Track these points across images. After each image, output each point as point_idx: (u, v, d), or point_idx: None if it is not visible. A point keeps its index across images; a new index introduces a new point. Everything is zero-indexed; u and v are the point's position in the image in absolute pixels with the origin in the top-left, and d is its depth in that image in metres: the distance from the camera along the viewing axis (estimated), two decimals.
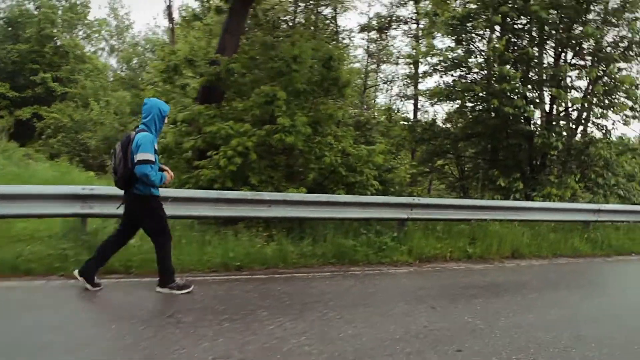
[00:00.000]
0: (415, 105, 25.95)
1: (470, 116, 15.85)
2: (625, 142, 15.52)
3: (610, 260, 10.08)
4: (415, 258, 8.32)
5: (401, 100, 26.19)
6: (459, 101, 15.73)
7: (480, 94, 14.56)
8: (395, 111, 16.50)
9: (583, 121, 15.89)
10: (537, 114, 14.72)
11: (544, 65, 14.27)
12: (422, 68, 20.37)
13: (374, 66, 32.21)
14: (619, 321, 5.69)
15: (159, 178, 5.30)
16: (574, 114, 15.47)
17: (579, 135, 16.00)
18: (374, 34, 24.32)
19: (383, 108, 18.08)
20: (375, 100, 32.98)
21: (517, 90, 13.34)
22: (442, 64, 15.45)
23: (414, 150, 18.89)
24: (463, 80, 14.94)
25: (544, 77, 13.92)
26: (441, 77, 15.95)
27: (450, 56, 15.02)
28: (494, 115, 14.62)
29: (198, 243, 7.22)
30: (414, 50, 19.09)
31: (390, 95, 30.88)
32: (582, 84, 14.49)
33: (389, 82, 26.11)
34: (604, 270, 9.31)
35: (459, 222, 9.58)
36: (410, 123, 16.03)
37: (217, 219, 7.83)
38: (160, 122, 5.42)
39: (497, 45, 13.21)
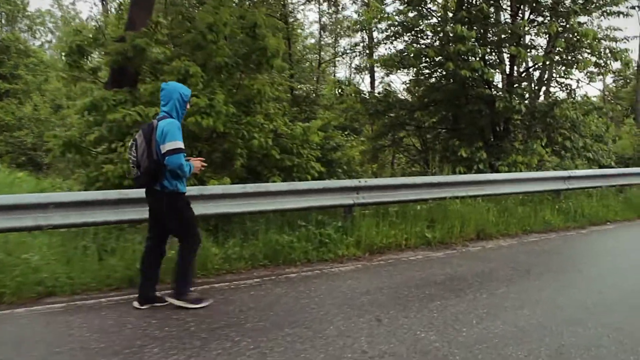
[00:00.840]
0: (372, 77, 24.76)
1: (427, 83, 14.71)
2: (590, 101, 14.65)
3: (585, 232, 9.06)
4: (365, 250, 7.14)
5: (359, 73, 25.02)
6: (414, 68, 14.61)
7: (435, 59, 13.38)
8: (347, 83, 15.12)
9: (546, 81, 14.90)
10: (498, 77, 13.70)
11: (501, 24, 13.16)
12: (376, 36, 19.18)
13: (329, 40, 30.97)
14: (607, 320, 4.56)
15: (189, 169, 4.68)
16: (536, 74, 14.47)
17: (542, 97, 15.06)
18: (325, 5, 22.98)
19: (333, 81, 16.68)
20: (335, 76, 31.77)
21: (473, 52, 12.20)
22: (392, 28, 14.23)
23: (372, 124, 17.74)
24: (415, 45, 13.70)
25: (502, 37, 12.81)
26: (391, 43, 14.72)
27: (399, 20, 13.80)
28: (451, 80, 13.54)
29: (95, 255, 5.90)
30: (362, 17, 17.74)
31: (351, 69, 29.74)
32: (543, 42, 13.50)
33: (342, 55, 24.77)
34: (579, 246, 8.26)
35: (415, 203, 8.41)
36: (362, 95, 14.74)
37: (121, 224, 6.47)
38: (182, 108, 4.81)
39: (448, 3, 12.02)
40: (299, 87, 13.47)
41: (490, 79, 12.45)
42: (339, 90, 15.65)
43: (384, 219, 7.76)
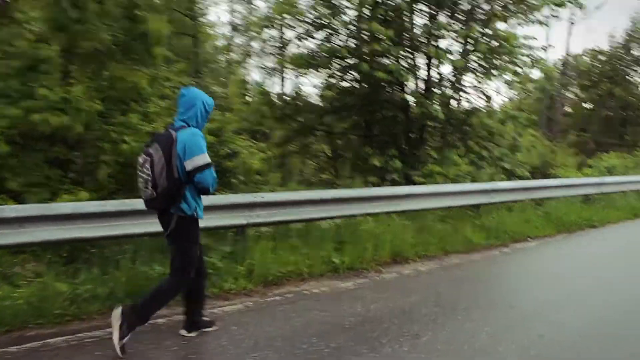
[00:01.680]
0: (283, 78, 23.62)
1: (339, 87, 13.68)
2: (507, 110, 14.22)
3: (508, 250, 8.24)
4: (258, 282, 5.83)
5: (269, 75, 23.74)
6: (326, 70, 13.52)
7: (349, 60, 12.37)
8: (252, 84, 13.88)
9: (464, 87, 14.26)
10: (415, 81, 12.87)
11: (418, 26, 12.33)
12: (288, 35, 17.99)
13: (241, 40, 29.58)
14: None
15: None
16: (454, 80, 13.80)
17: (459, 104, 14.43)
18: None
19: (237, 82, 15.34)
20: (249, 78, 30.43)
21: (389, 52, 11.29)
22: (304, 25, 13.08)
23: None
24: (328, 44, 12.61)
25: (419, 38, 11.98)
26: (301, 41, 13.56)
27: (312, 16, 12.70)
28: (365, 84, 12.61)
29: None
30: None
31: (264, 70, 28.44)
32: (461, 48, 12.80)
33: (250, 55, 23.42)
34: (505, 270, 7.39)
35: (321, 221, 7.24)
36: (269, 97, 13.54)
37: None
38: (204, 120, 4.14)
39: None
40: (203, 85, 11.98)
41: (406, 83, 11.59)
42: (244, 92, 14.41)
43: (283, 242, 6.52)
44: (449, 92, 12.42)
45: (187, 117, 4.01)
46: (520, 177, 13.21)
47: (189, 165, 3.85)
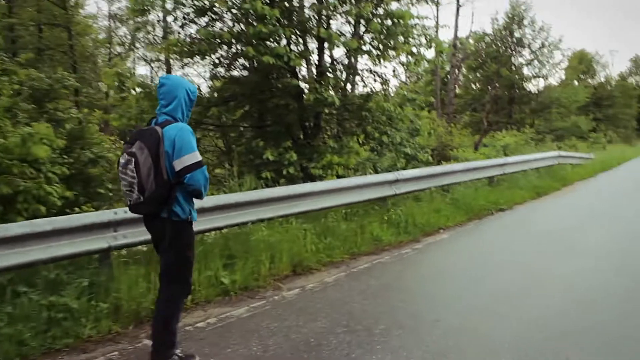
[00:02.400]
0: (168, 69, 21.90)
1: (226, 75, 12.43)
2: (404, 93, 13.61)
3: (420, 246, 7.47)
4: (128, 322, 4.60)
5: (152, 66, 22.02)
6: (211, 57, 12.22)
7: (234, 46, 11.15)
8: (128, 75, 12.30)
9: (360, 71, 13.47)
10: (307, 66, 11.87)
11: (307, 5, 11.33)
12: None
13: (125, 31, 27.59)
14: None
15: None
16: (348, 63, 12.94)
17: (354, 88, 13.64)
18: None
19: (111, 74, 13.65)
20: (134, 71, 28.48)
21: (277, 34, 10.21)
22: (183, 9, 11.69)
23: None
24: (210, 29, 11.30)
25: (308, 19, 10.98)
26: (183, 27, 12.16)
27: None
28: (255, 70, 11.47)
29: None
30: None
31: (149, 61, 26.50)
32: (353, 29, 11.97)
33: (130, 45, 21.57)
34: (421, 272, 6.50)
35: (206, 234, 6.07)
36: (147, 90, 12.01)
37: None
38: (189, 109, 3.70)
39: None
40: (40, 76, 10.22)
41: (297, 66, 10.57)
42: (118, 84, 12.81)
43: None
44: (343, 76, 11.54)
45: (171, 109, 3.60)
46: (422, 162, 12.71)
47: (178, 165, 3.46)
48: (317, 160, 10.29)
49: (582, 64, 47.92)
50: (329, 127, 12.24)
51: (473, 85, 40.55)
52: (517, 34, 37.48)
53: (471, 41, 38.01)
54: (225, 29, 11.23)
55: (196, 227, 5.69)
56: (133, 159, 3.43)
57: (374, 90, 11.91)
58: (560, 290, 5.46)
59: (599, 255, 6.86)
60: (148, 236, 5.14)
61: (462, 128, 26.82)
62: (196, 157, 3.51)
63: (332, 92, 10.63)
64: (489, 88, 36.48)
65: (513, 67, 37.33)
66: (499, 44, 37.73)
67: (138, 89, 12.42)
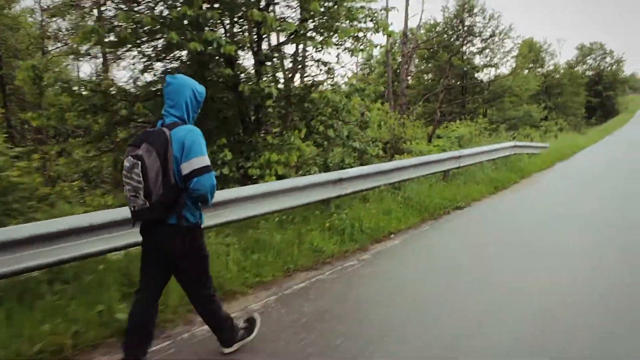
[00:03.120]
0: (105, 59, 20.41)
1: (151, 66, 11.17)
2: (352, 82, 12.61)
3: (368, 256, 6.46)
4: None
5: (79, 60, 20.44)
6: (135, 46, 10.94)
7: (155, 30, 9.90)
8: (44, 69, 10.90)
9: (301, 58, 12.40)
10: (244, 55, 10.74)
11: None
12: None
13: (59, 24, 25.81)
14: None
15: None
16: (290, 51, 11.86)
17: (294, 78, 12.58)
18: None
19: (25, 67, 12.21)
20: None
21: (205, 18, 9.02)
22: None
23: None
24: (129, 12, 10.01)
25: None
26: (101, 13, 10.86)
27: None
28: (187, 61, 10.30)
29: None
30: None
31: (78, 55, 24.77)
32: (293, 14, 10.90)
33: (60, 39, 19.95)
34: (368, 292, 5.41)
35: (101, 255, 4.90)
36: (66, 85, 10.66)
37: None
38: (195, 112, 3.54)
39: None
40: None
41: (230, 54, 9.41)
42: (35, 78, 11.42)
43: (37, 300, 4.13)
44: (284, 65, 10.45)
45: (177, 110, 3.43)
46: (373, 156, 11.77)
47: (186, 168, 3.26)
48: (255, 158, 9.20)
49: (531, 52, 48.15)
50: (270, 122, 11.16)
51: (426, 76, 40.17)
52: (467, 23, 37.21)
53: (422, 31, 37.56)
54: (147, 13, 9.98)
55: (91, 248, 4.61)
56: (139, 162, 3.21)
57: (317, 81, 10.87)
58: (533, 309, 4.56)
59: (565, 257, 6.06)
60: (23, 264, 4.10)
61: (415, 119, 26.08)
62: (205, 161, 3.31)
63: (270, 83, 9.54)
64: (442, 78, 36.07)
65: (465, 56, 37.04)
66: (450, 33, 37.39)
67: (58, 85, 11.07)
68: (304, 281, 5.52)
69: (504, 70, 41.63)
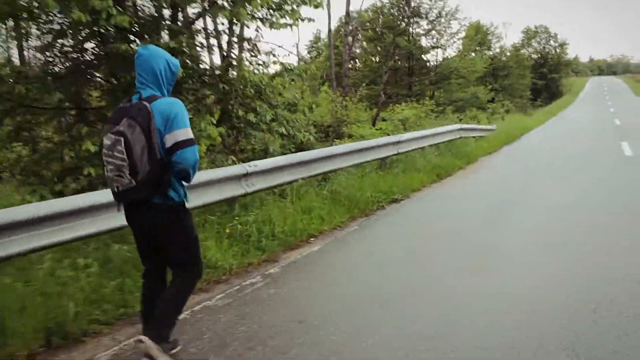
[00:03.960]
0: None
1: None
2: (279, 60, 11.22)
3: (277, 270, 5.18)
4: None
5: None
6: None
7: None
8: None
9: (224, 32, 10.93)
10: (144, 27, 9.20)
11: None
12: None
13: None
14: None
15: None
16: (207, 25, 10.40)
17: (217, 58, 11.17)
18: None
19: None
20: None
21: None
22: None
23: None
24: None
25: None
26: None
27: None
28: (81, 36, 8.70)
29: None
30: None
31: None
32: None
33: None
34: (268, 323, 4.14)
35: None
36: None
37: None
38: (170, 85, 3.30)
39: None
40: None
41: (122, 25, 7.88)
42: None
43: None
44: (194, 40, 8.99)
45: (152, 81, 3.17)
46: (303, 144, 10.52)
47: (170, 140, 3.05)
48: None
49: (478, 34, 47.84)
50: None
51: (373, 58, 39.14)
52: (413, 3, 36.30)
53: (369, 12, 36.45)
54: None
55: None
56: (122, 139, 3.01)
57: (234, 58, 9.48)
58: (486, 332, 3.41)
59: (514, 258, 4.96)
60: None
61: (358, 102, 24.95)
62: (189, 133, 3.12)
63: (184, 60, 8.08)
64: (388, 59, 35.12)
65: (411, 37, 36.16)
66: (397, 14, 36.43)
67: None
68: (184, 313, 4.19)
69: (451, 52, 41.10)
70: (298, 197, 6.90)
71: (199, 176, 5.58)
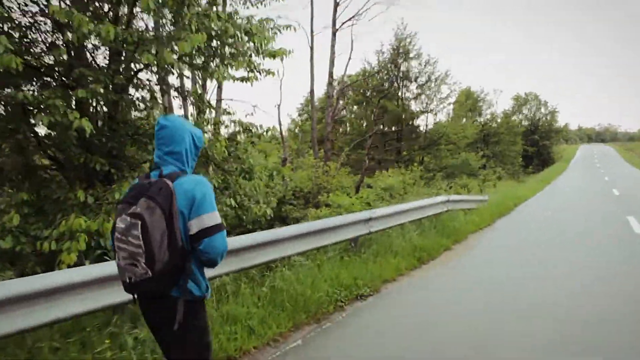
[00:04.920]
0: None
1: None
2: (239, 122, 9.77)
3: None
4: None
5: None
6: None
7: None
8: None
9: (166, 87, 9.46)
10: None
11: None
12: None
13: None
14: None
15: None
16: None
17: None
18: None
19: None
20: None
21: None
22: None
23: None
24: None
25: None
26: None
27: None
28: None
29: None
30: None
31: None
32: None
33: None
34: None
35: None
36: None
37: None
38: (194, 159, 2.99)
39: None
40: None
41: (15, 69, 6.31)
42: None
43: None
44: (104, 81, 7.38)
45: (176, 158, 2.85)
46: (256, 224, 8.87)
47: (195, 226, 2.69)
48: (57, 225, 6.06)
49: (468, 99, 47.41)
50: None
51: (360, 121, 38.08)
52: (403, 67, 35.60)
53: (357, 72, 35.65)
54: None
55: None
56: (139, 222, 2.61)
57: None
58: None
59: None
60: None
61: (340, 167, 23.48)
62: (216, 217, 2.77)
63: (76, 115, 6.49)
64: (376, 123, 34.10)
65: (400, 101, 35.25)
66: (385, 77, 35.65)
67: None
68: None
69: (442, 117, 40.24)
70: (228, 299, 5.11)
71: (57, 277, 3.85)
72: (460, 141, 37.17)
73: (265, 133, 9.54)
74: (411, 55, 35.26)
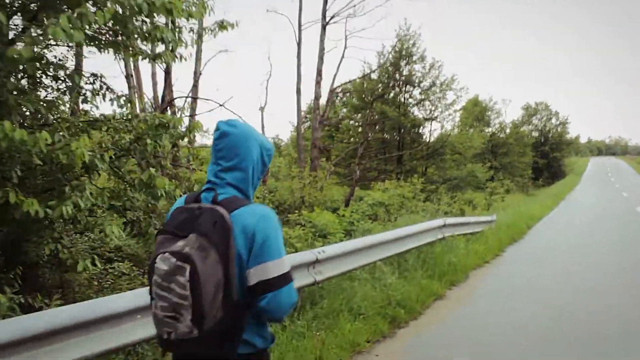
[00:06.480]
0: None
1: None
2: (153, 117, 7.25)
3: None
4: None
5: None
6: None
7: None
8: None
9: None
10: None
11: None
12: None
13: None
14: None
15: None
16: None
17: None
18: None
19: None
20: None
21: None
22: None
23: None
24: None
25: None
26: None
27: None
28: None
29: None
30: None
31: None
32: None
33: None
34: None
35: None
36: None
37: None
38: (259, 178, 2.25)
39: None
40: None
41: None
42: None
43: None
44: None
45: (238, 177, 2.11)
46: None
47: (257, 276, 1.97)
48: None
49: (476, 106, 44.92)
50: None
51: (360, 129, 35.47)
52: (405, 71, 32.97)
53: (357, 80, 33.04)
54: None
55: None
56: (188, 268, 1.86)
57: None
58: None
59: None
60: None
61: (329, 176, 20.86)
62: (284, 265, 2.02)
63: None
64: (376, 131, 31.57)
65: (401, 107, 32.58)
66: (386, 81, 33.04)
67: None
68: None
69: (448, 126, 37.50)
70: None
71: None
72: (466, 151, 34.52)
73: (189, 132, 6.99)
74: (414, 58, 32.67)
